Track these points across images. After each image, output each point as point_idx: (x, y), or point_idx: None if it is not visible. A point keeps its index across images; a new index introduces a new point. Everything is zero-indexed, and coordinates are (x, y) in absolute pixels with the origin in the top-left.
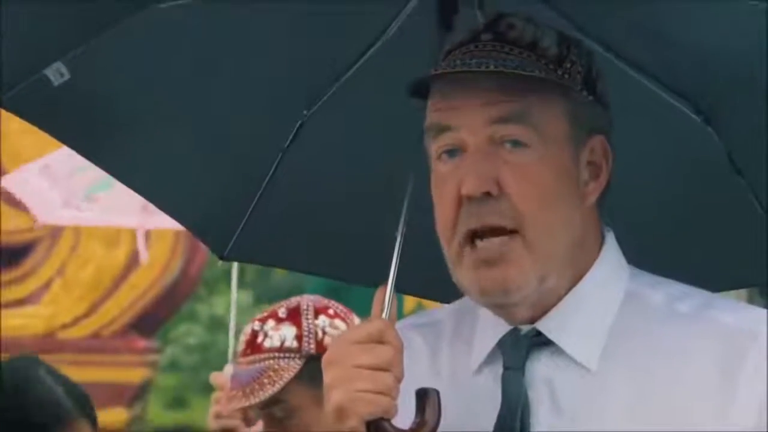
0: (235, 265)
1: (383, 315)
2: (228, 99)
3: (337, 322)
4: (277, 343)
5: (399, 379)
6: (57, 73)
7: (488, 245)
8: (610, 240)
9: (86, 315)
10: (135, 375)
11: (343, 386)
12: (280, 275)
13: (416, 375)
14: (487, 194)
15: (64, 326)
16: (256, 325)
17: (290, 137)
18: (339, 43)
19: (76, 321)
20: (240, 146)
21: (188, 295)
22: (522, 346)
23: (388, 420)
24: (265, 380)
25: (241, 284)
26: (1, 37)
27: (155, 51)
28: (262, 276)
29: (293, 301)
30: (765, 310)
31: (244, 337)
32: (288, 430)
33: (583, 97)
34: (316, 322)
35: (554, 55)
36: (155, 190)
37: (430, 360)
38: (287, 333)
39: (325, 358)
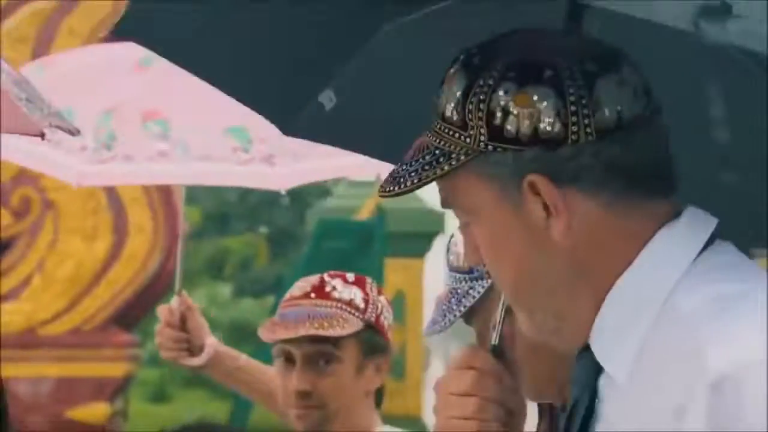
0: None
1: (493, 337)
2: None
3: (388, 307)
4: (347, 297)
5: (491, 400)
6: (328, 98)
7: None
8: (659, 239)
9: (66, 310)
10: (117, 369)
11: (439, 414)
12: (260, 268)
13: None
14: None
15: (45, 322)
16: (326, 277)
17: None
18: None
19: (56, 317)
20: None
21: (168, 289)
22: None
23: None
24: (335, 322)
25: (221, 277)
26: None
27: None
28: (242, 269)
29: (352, 274)
30: None
31: (305, 284)
32: (318, 378)
33: (493, 151)
34: (379, 297)
35: (458, 122)
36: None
37: None
38: (357, 293)
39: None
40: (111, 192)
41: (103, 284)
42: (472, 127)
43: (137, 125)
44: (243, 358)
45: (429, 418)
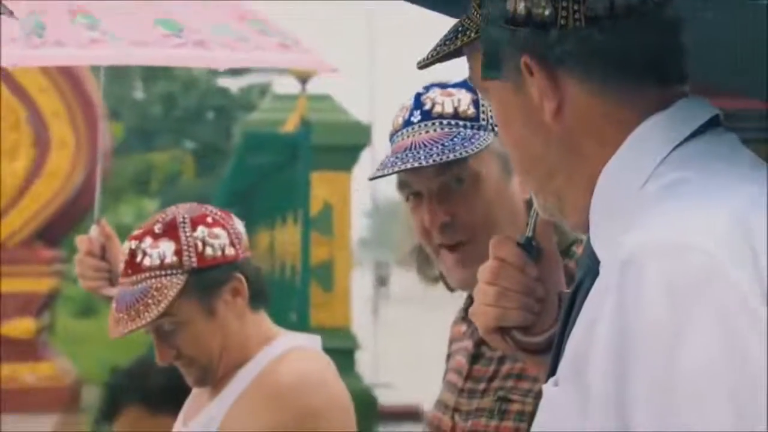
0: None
1: (528, 228)
2: None
3: (216, 230)
4: (157, 261)
5: (512, 290)
6: None
7: None
8: (643, 127)
9: None
10: (42, 285)
11: (474, 300)
12: (186, 182)
13: None
14: None
15: None
16: (133, 244)
17: None
18: None
19: None
20: None
21: (93, 204)
22: None
23: (514, 327)
24: (149, 300)
25: (147, 192)
26: None
27: None
28: (169, 184)
29: (168, 213)
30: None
31: (122, 257)
32: (177, 343)
33: (500, 26)
34: (195, 234)
35: (477, 0)
36: None
37: None
38: (166, 249)
39: None
40: (31, 107)
41: (26, 200)
42: (484, 6)
43: (65, 19)
44: None
45: (357, 329)
